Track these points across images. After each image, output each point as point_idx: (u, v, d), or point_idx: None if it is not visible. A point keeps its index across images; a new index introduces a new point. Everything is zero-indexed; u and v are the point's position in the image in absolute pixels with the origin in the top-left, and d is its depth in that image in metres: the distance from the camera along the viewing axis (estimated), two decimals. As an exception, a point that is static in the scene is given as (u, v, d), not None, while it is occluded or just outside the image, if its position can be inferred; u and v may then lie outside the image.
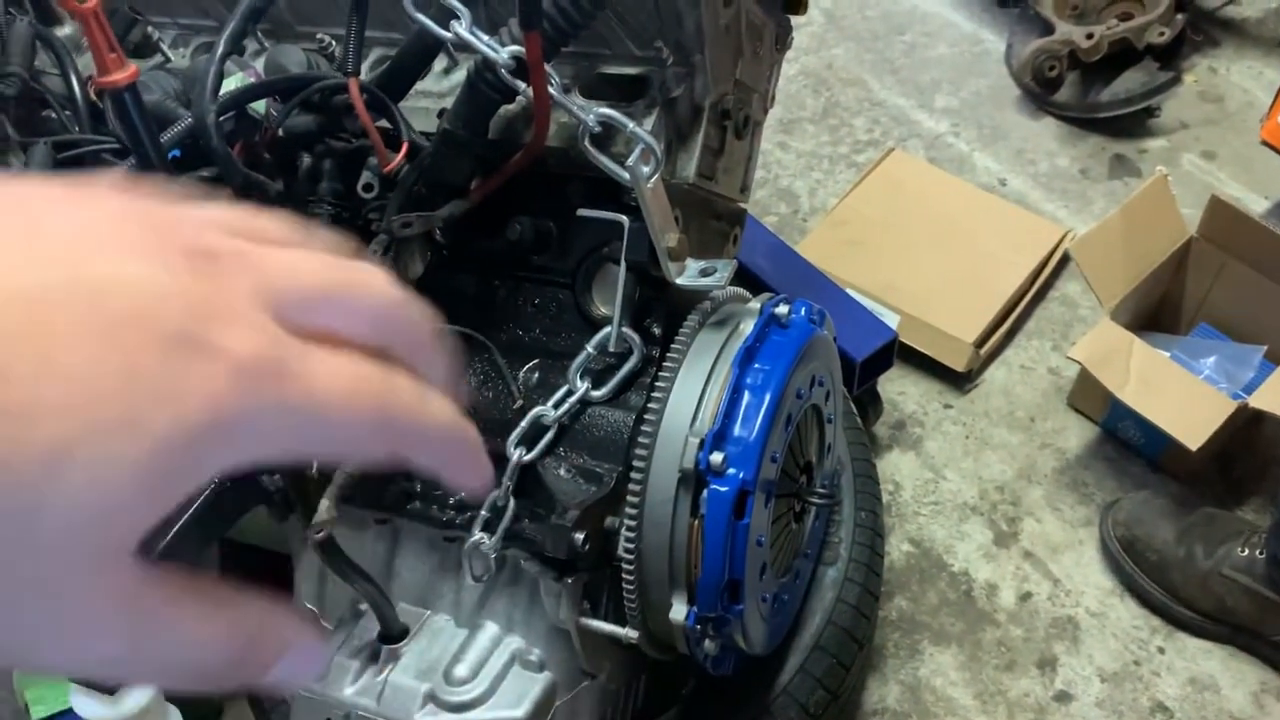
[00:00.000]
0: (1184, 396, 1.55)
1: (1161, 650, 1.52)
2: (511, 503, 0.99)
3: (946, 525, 1.68)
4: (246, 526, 1.10)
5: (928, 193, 2.07)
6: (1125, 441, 1.72)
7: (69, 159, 1.05)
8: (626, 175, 0.94)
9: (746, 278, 1.66)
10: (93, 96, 1.10)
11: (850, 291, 1.78)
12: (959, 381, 1.85)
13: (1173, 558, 1.51)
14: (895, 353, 1.68)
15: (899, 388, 1.85)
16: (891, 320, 1.79)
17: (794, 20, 1.22)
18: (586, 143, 0.94)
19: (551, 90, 0.93)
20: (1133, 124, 2.23)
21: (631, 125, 0.93)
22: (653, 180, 0.94)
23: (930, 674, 1.52)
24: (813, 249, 1.92)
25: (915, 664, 1.53)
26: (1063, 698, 1.48)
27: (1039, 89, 2.27)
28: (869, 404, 1.72)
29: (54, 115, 1.13)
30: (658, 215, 0.96)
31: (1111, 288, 1.64)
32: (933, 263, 1.91)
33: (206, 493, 1.00)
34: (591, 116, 0.94)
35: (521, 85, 0.93)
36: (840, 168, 2.27)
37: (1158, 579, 1.53)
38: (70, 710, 0.95)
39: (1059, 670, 1.51)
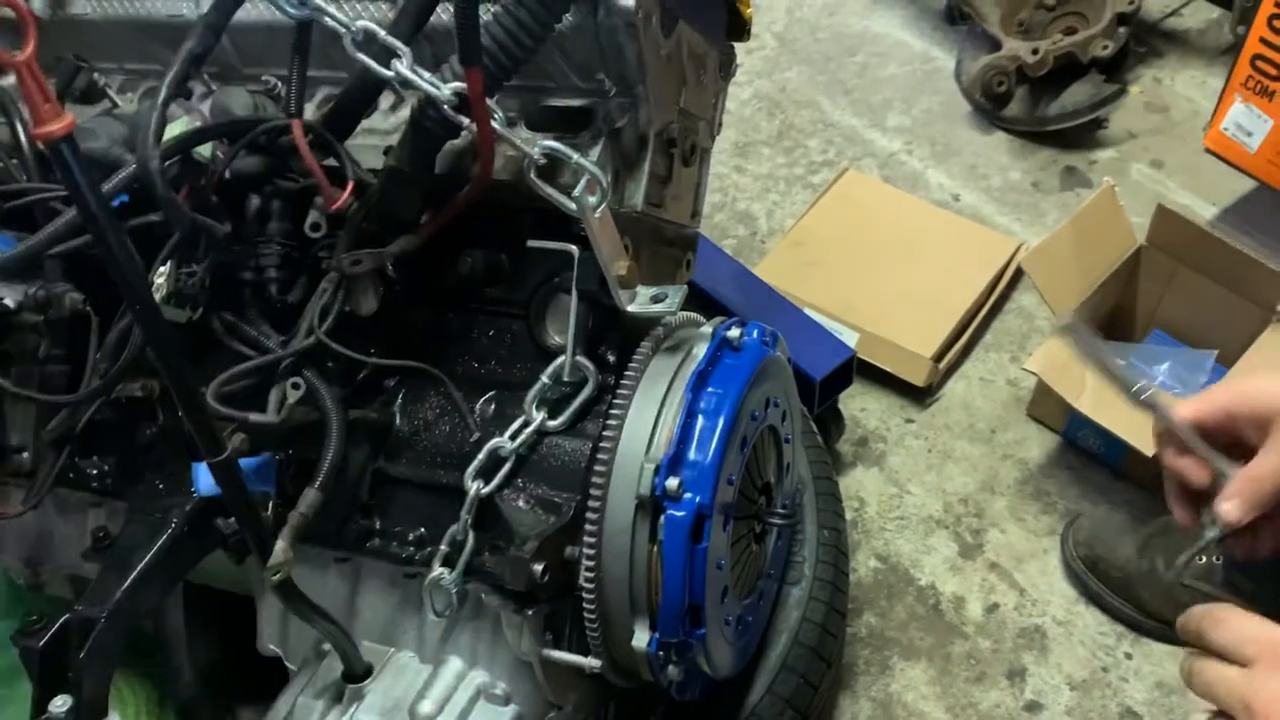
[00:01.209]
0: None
1: (1129, 656, 1.53)
2: (471, 536, 0.99)
3: (912, 539, 1.69)
4: (210, 571, 1.10)
5: (883, 211, 2.09)
6: (1086, 450, 1.74)
7: (17, 208, 1.05)
8: (573, 206, 0.95)
9: (706, 301, 1.67)
10: (39, 145, 1.10)
11: (809, 311, 1.79)
12: (919, 396, 1.87)
13: (1136, 573, 1.52)
14: (855, 370, 1.69)
15: (860, 404, 1.86)
16: (850, 338, 1.81)
17: (747, 45, 1.24)
18: (533, 175, 0.95)
19: (495, 125, 0.94)
20: (1082, 136, 2.27)
21: (576, 156, 0.94)
22: (600, 210, 0.95)
23: (901, 689, 1.52)
24: (771, 270, 1.93)
25: (886, 680, 1.53)
26: (1033, 707, 1.49)
27: (989, 104, 2.30)
28: (831, 422, 1.74)
29: (0, 164, 1.13)
30: (606, 244, 0.97)
31: (1064, 298, 1.66)
32: (890, 280, 1.93)
33: (164, 538, 1.00)
34: (536, 149, 0.95)
35: (465, 121, 0.94)
36: (796, 189, 2.29)
37: (1124, 595, 1.54)
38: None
39: (1028, 680, 1.52)
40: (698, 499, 0.95)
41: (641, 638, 0.98)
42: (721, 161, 2.33)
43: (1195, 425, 0.86)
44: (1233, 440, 0.86)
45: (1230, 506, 0.83)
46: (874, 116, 2.41)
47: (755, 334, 1.09)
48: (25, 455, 1.13)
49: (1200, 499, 0.88)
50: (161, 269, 1.00)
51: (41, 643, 0.91)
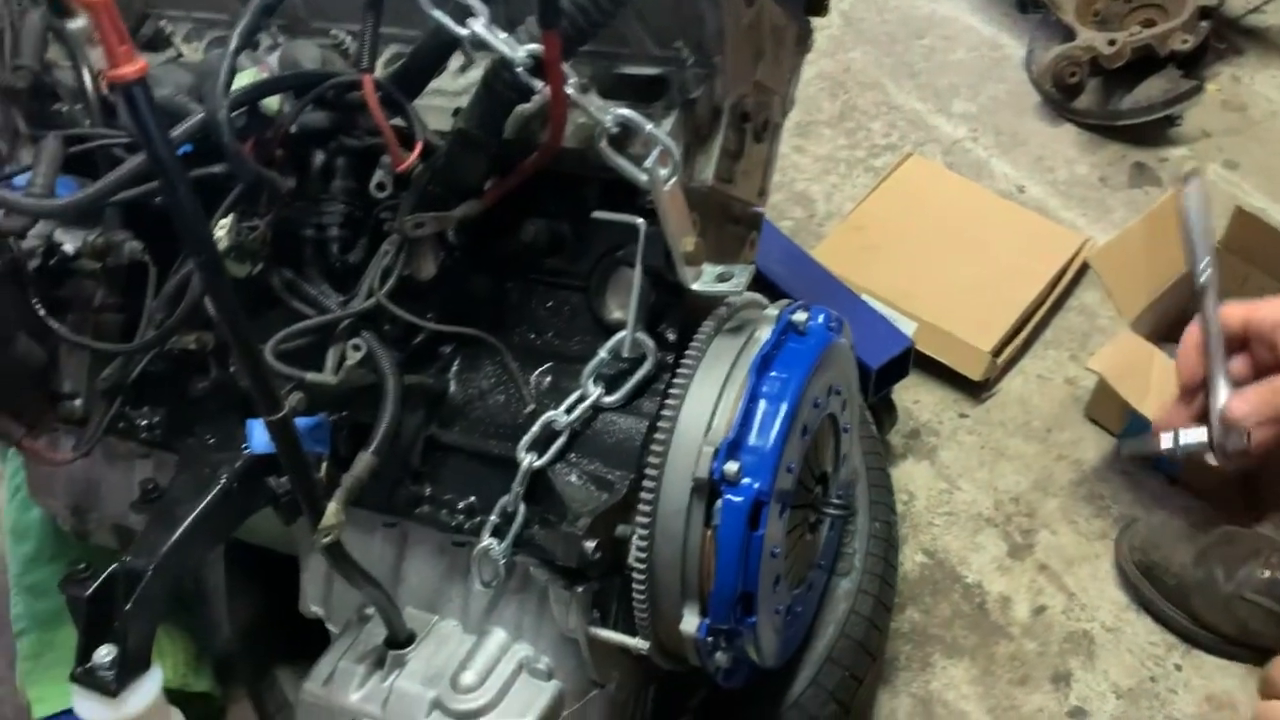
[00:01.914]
0: (1205, 410, 1.52)
1: (1179, 667, 1.49)
2: (522, 508, 0.97)
3: (960, 536, 1.65)
4: (254, 527, 1.09)
5: (945, 199, 2.05)
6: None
7: (80, 153, 1.04)
8: (644, 177, 0.92)
9: (761, 283, 1.64)
10: (104, 90, 1.09)
11: (866, 298, 1.76)
12: (975, 391, 1.83)
13: (1192, 581, 1.48)
14: (911, 361, 1.66)
15: (914, 396, 1.82)
16: (908, 328, 1.77)
17: (812, 22, 1.21)
18: (604, 144, 0.93)
19: (569, 90, 0.91)
20: (1154, 132, 2.20)
21: (650, 127, 0.92)
22: (670, 183, 0.92)
23: (942, 687, 1.49)
24: (828, 254, 1.90)
25: (927, 677, 1.51)
26: (1077, 714, 1.46)
27: (1059, 95, 2.24)
28: (883, 412, 1.70)
29: (65, 109, 1.12)
30: (674, 219, 0.94)
31: (1132, 298, 1.61)
32: (950, 269, 1.89)
33: (213, 493, 0.99)
34: (609, 117, 0.92)
35: (538, 84, 0.91)
36: (857, 172, 2.25)
37: (1178, 603, 1.50)
38: (70, 711, 0.94)
39: (1073, 686, 1.48)
40: (756, 485, 0.92)
41: (691, 622, 0.96)
42: (780, 141, 2.29)
43: (1231, 322, 0.88)
44: (1254, 358, 0.89)
45: (1240, 405, 0.86)
46: (939, 101, 2.36)
47: (821, 319, 1.06)
48: (77, 402, 1.13)
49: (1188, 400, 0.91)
50: (223, 222, 0.98)
51: (88, 592, 0.91)
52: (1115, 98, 2.20)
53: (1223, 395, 0.89)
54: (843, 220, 2.06)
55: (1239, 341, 0.89)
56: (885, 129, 2.33)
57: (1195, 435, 0.90)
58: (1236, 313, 0.88)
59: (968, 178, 2.14)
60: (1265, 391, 0.86)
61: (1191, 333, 0.89)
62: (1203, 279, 0.88)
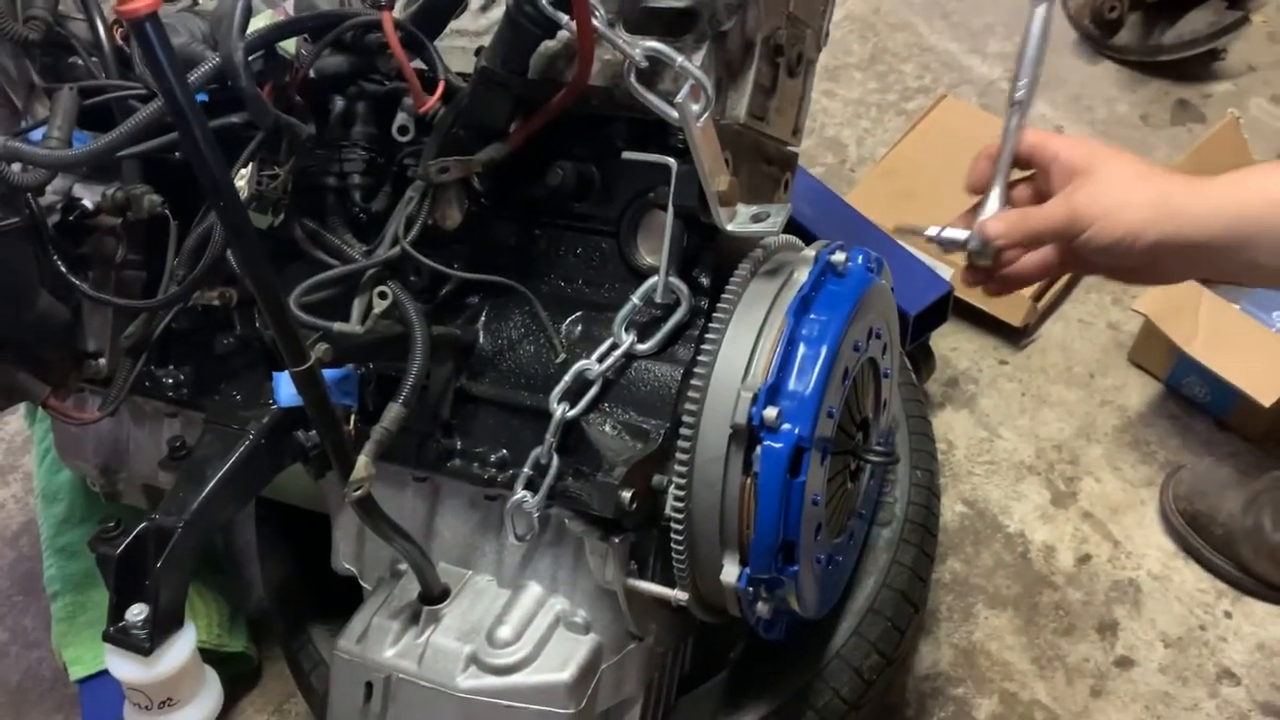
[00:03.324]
0: (1256, 350, 1.47)
1: (1228, 615, 1.46)
2: (555, 460, 0.95)
3: (1002, 485, 1.62)
4: (284, 486, 1.08)
5: (982, 141, 1.97)
6: (1190, 399, 1.65)
7: (96, 107, 1.02)
8: (675, 114, 0.88)
9: (793, 227, 1.60)
10: (118, 41, 1.06)
11: (902, 243, 1.71)
12: (1015, 337, 1.79)
13: (1240, 530, 1.44)
14: (950, 306, 1.62)
15: (952, 344, 1.78)
16: (945, 272, 1.72)
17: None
18: (632, 79, 0.89)
19: (596, 23, 0.87)
20: (1197, 67, 2.13)
21: (681, 60, 0.88)
22: (703, 119, 0.89)
23: (985, 638, 1.47)
24: (862, 200, 1.85)
25: (969, 627, 1.48)
26: (1124, 663, 1.43)
27: (1097, 32, 2.17)
28: (921, 360, 1.67)
29: (80, 61, 1.10)
30: (707, 157, 0.91)
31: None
32: (987, 213, 1.84)
33: (241, 450, 0.97)
34: (638, 51, 0.88)
35: (564, 18, 0.88)
36: (889, 116, 2.19)
37: (1226, 552, 1.46)
38: (108, 671, 0.93)
39: (1120, 635, 1.45)
40: (797, 430, 0.89)
41: (731, 572, 0.93)
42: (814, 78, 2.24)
43: (1028, 143, 0.90)
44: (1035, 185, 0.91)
45: (994, 225, 0.89)
46: (974, 42, 2.29)
47: (860, 260, 1.03)
48: (102, 361, 1.11)
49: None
50: (243, 171, 0.96)
51: (119, 550, 0.90)
52: (1156, 32, 2.13)
53: (989, 209, 0.92)
54: (875, 165, 2.01)
55: (1025, 165, 0.92)
56: (918, 71, 2.27)
57: (956, 233, 0.93)
58: (1030, 137, 0.90)
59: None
60: (1015, 216, 0.89)
61: (991, 145, 0.92)
62: (1018, 95, 0.91)
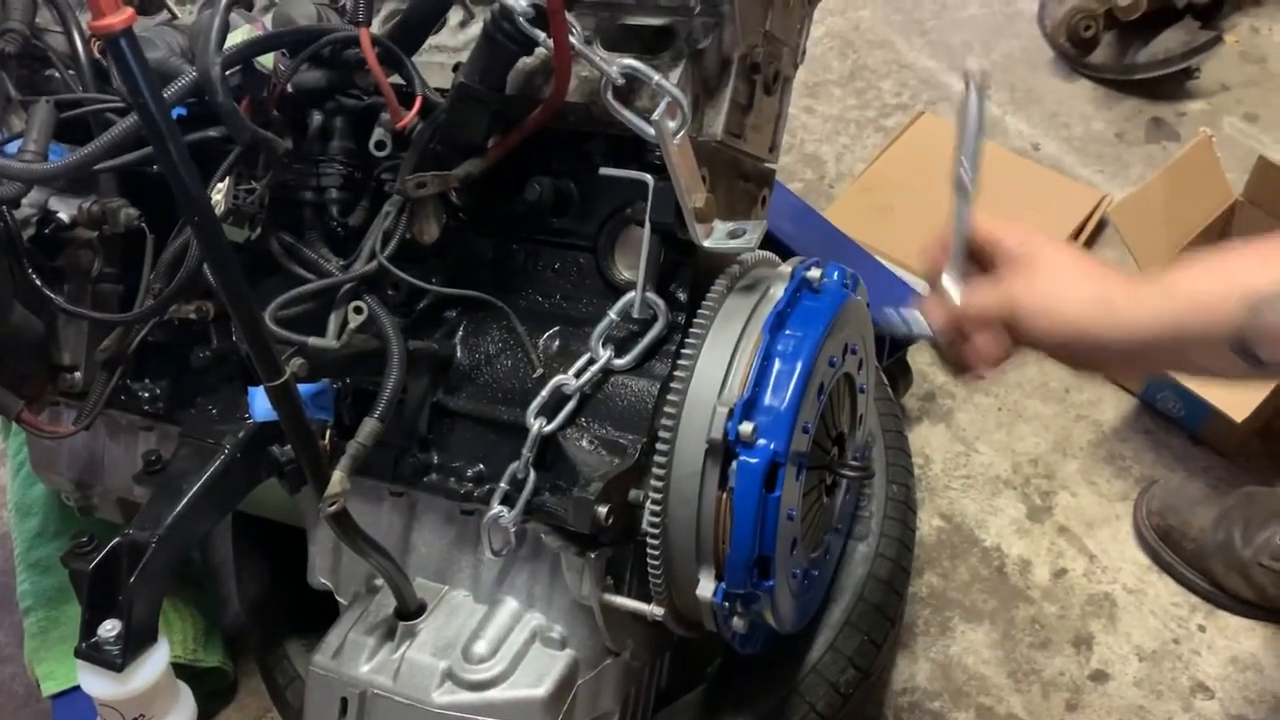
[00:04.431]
0: (1228, 366, 1.49)
1: (1202, 628, 1.47)
2: (532, 475, 0.95)
3: (978, 499, 1.63)
4: (261, 500, 1.07)
5: (959, 158, 2.00)
6: (1164, 414, 1.66)
7: (73, 121, 1.02)
8: (651, 131, 0.89)
9: (771, 243, 1.60)
10: (96, 54, 1.06)
11: (879, 259, 1.73)
12: (991, 352, 1.80)
13: (1211, 545, 1.45)
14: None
15: (929, 358, 1.79)
16: (923, 288, 1.73)
17: (822, -25, 1.17)
18: (609, 96, 0.90)
19: (573, 40, 0.88)
20: (1171, 86, 2.16)
21: (657, 77, 0.88)
22: (679, 135, 0.89)
23: (962, 652, 1.47)
24: (840, 216, 1.86)
25: (946, 641, 1.48)
26: (1099, 676, 1.44)
27: (1074, 50, 2.20)
28: (898, 375, 1.67)
29: (56, 74, 1.09)
30: (684, 173, 0.91)
31: (1152, 254, 1.58)
32: (964, 229, 1.85)
33: (217, 463, 0.97)
34: (615, 68, 0.89)
35: (541, 35, 0.88)
36: (868, 132, 2.21)
37: (1198, 567, 1.48)
38: (80, 686, 0.92)
39: (1095, 648, 1.46)
40: (772, 446, 0.90)
41: (707, 587, 0.93)
42: (791, 96, 2.25)
43: (976, 231, 0.91)
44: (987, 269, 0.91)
45: (935, 314, 0.90)
46: (951, 59, 2.31)
47: (836, 276, 1.03)
48: (77, 375, 1.11)
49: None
50: (219, 185, 0.96)
51: (92, 565, 0.89)
52: (1131, 51, 2.15)
53: (948, 295, 0.91)
54: (854, 181, 2.02)
55: (975, 252, 0.92)
56: (896, 88, 2.28)
57: (915, 320, 0.92)
58: (985, 227, 0.91)
59: (981, 136, 2.10)
60: (953, 307, 0.90)
61: (942, 232, 0.93)
62: (965, 179, 0.92)
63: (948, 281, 0.91)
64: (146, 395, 1.12)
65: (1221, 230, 1.67)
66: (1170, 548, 1.51)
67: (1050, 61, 2.27)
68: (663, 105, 0.88)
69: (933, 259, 0.93)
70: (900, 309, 0.92)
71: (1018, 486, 1.64)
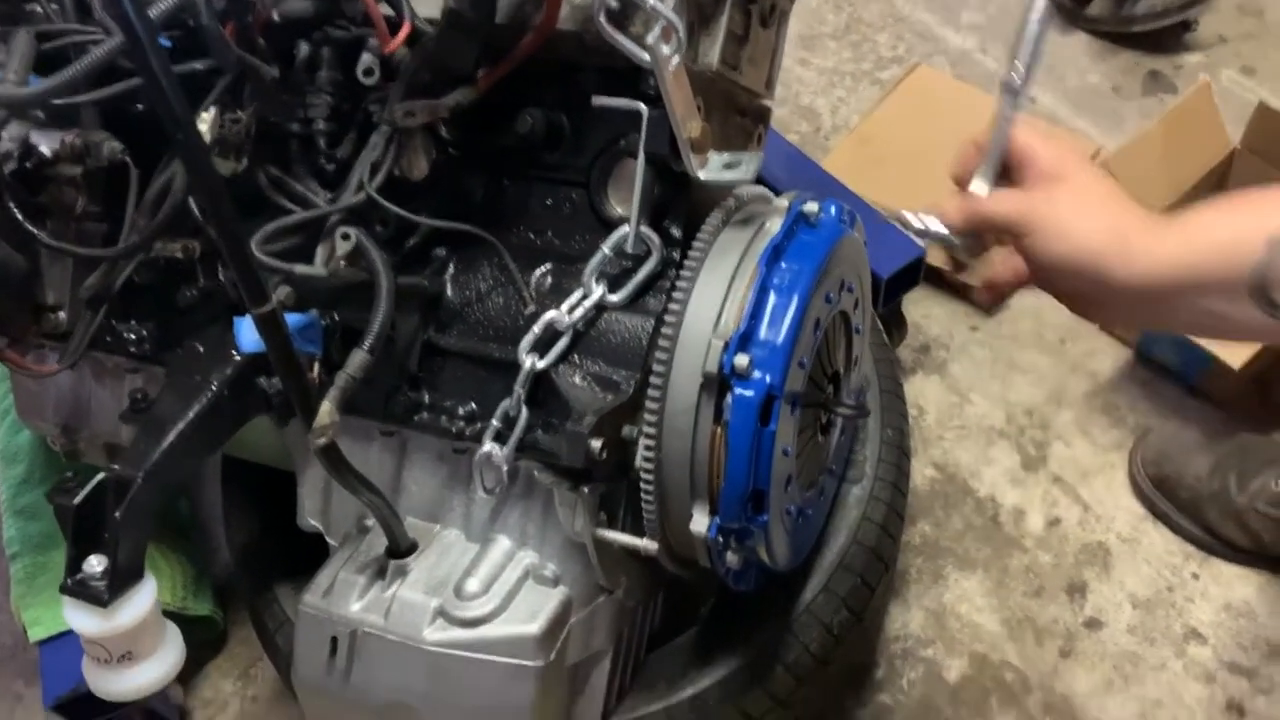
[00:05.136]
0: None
1: (1195, 576, 1.47)
2: (524, 412, 0.94)
3: (972, 449, 1.62)
4: (250, 443, 1.06)
5: (955, 110, 1.98)
6: (1160, 364, 1.66)
7: (53, 50, 0.99)
8: (646, 56, 0.87)
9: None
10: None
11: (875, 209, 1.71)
12: (986, 303, 1.79)
13: (1206, 493, 1.45)
14: (922, 272, 1.61)
15: (924, 310, 1.78)
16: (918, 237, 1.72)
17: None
18: (602, 19, 0.87)
19: (564, -38, 0.86)
20: (1168, 39, 2.14)
21: (652, 1, 0.86)
22: (674, 61, 0.87)
23: (955, 600, 1.47)
24: (836, 167, 1.84)
25: (940, 590, 1.48)
26: (1093, 624, 1.44)
27: (1071, 3, 2.17)
28: (893, 325, 1.66)
29: (37, 6, 1.07)
30: (679, 101, 0.89)
31: (1150, 203, 1.56)
32: (960, 181, 1.84)
33: (204, 399, 0.95)
34: (607, -9, 0.87)
35: (532, -42, 0.86)
36: (863, 85, 2.18)
37: (1192, 516, 1.47)
38: (69, 632, 0.91)
39: (1089, 596, 1.46)
40: (768, 379, 0.88)
41: (701, 521, 0.92)
42: (784, 54, 2.23)
43: (1014, 140, 0.87)
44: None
45: (950, 209, 0.87)
46: (947, 13, 2.29)
47: (833, 211, 1.02)
48: (62, 314, 1.09)
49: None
50: (205, 115, 0.93)
51: (76, 500, 0.88)
52: (1128, 4, 2.12)
53: (973, 194, 0.89)
54: (850, 133, 2.00)
55: (1007, 162, 0.88)
56: (892, 41, 2.26)
57: (930, 221, 0.89)
58: (1024, 137, 0.87)
59: (977, 89, 2.08)
60: (969, 202, 0.88)
61: (978, 133, 0.89)
62: (1015, 81, 0.89)
63: (978, 183, 0.88)
64: (132, 337, 1.10)
65: (1220, 179, 1.65)
66: (1165, 496, 1.51)
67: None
68: (657, 29, 0.86)
69: (965, 160, 0.90)
70: (918, 212, 0.89)
71: (1012, 437, 1.63)
